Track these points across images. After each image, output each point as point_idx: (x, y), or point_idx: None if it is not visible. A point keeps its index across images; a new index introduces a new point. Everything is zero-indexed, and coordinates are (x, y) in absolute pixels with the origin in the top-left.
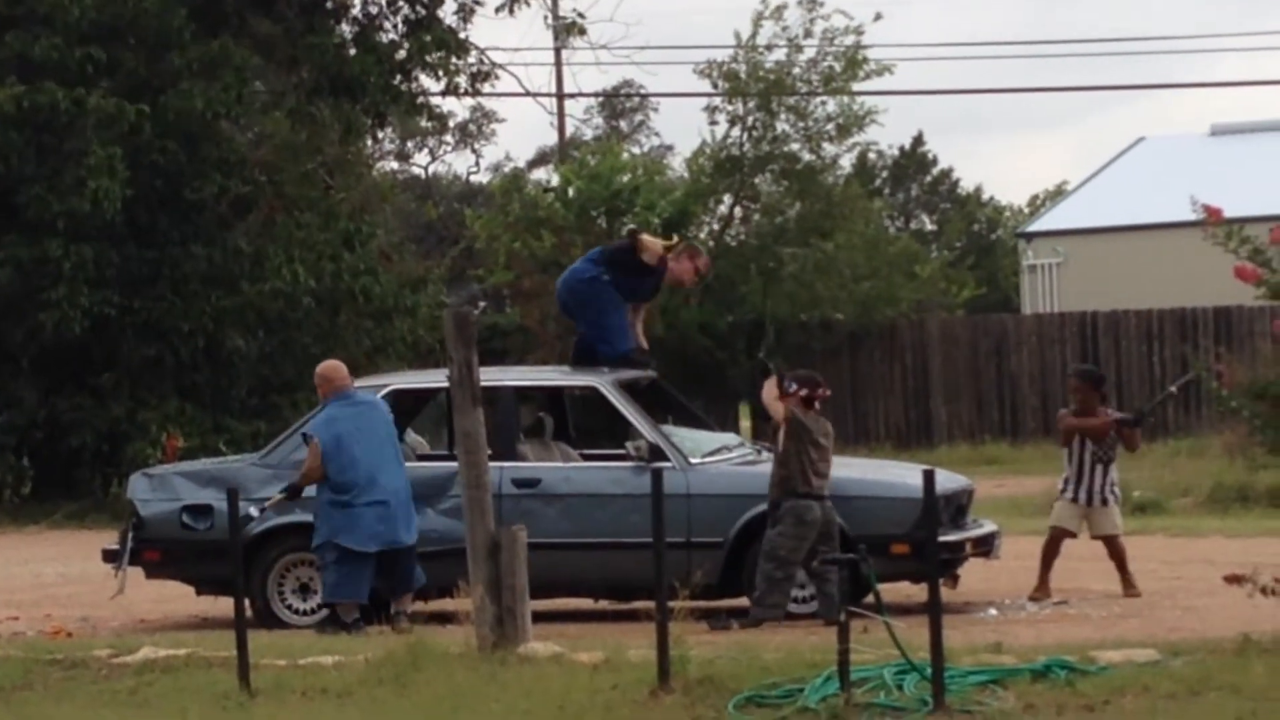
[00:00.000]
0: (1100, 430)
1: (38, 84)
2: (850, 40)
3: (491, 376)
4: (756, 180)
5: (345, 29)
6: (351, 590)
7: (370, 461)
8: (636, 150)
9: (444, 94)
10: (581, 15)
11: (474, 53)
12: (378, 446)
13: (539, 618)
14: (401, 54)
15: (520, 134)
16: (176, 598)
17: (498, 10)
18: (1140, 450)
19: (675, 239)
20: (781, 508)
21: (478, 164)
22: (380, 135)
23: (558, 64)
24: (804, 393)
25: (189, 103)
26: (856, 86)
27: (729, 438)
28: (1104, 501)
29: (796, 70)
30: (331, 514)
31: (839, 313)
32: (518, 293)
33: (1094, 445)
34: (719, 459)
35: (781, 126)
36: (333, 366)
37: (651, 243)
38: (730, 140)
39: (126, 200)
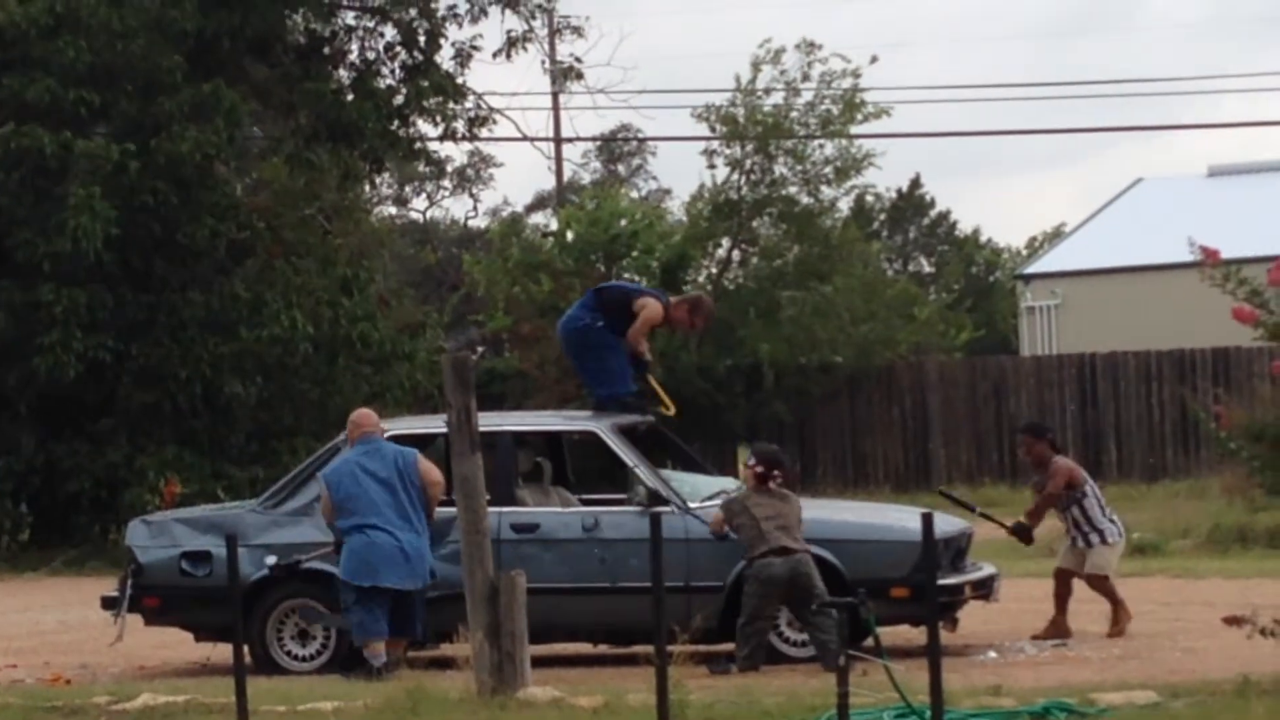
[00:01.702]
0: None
1: (26, 127)
2: (848, 84)
3: (490, 422)
4: (755, 223)
5: (342, 74)
6: (375, 629)
7: (369, 503)
8: (635, 194)
9: (441, 139)
10: (579, 60)
11: (471, 98)
12: (383, 492)
13: (538, 662)
14: (399, 99)
15: (518, 178)
16: (176, 644)
17: (495, 55)
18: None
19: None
20: (746, 570)
21: (475, 209)
22: (378, 180)
23: (555, 109)
24: (760, 470)
25: (178, 145)
26: (854, 129)
27: (727, 482)
28: (1088, 543)
29: (794, 114)
30: (345, 552)
31: (837, 355)
32: (516, 337)
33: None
34: (718, 503)
35: (779, 170)
36: (361, 414)
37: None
38: (728, 184)
39: (119, 243)
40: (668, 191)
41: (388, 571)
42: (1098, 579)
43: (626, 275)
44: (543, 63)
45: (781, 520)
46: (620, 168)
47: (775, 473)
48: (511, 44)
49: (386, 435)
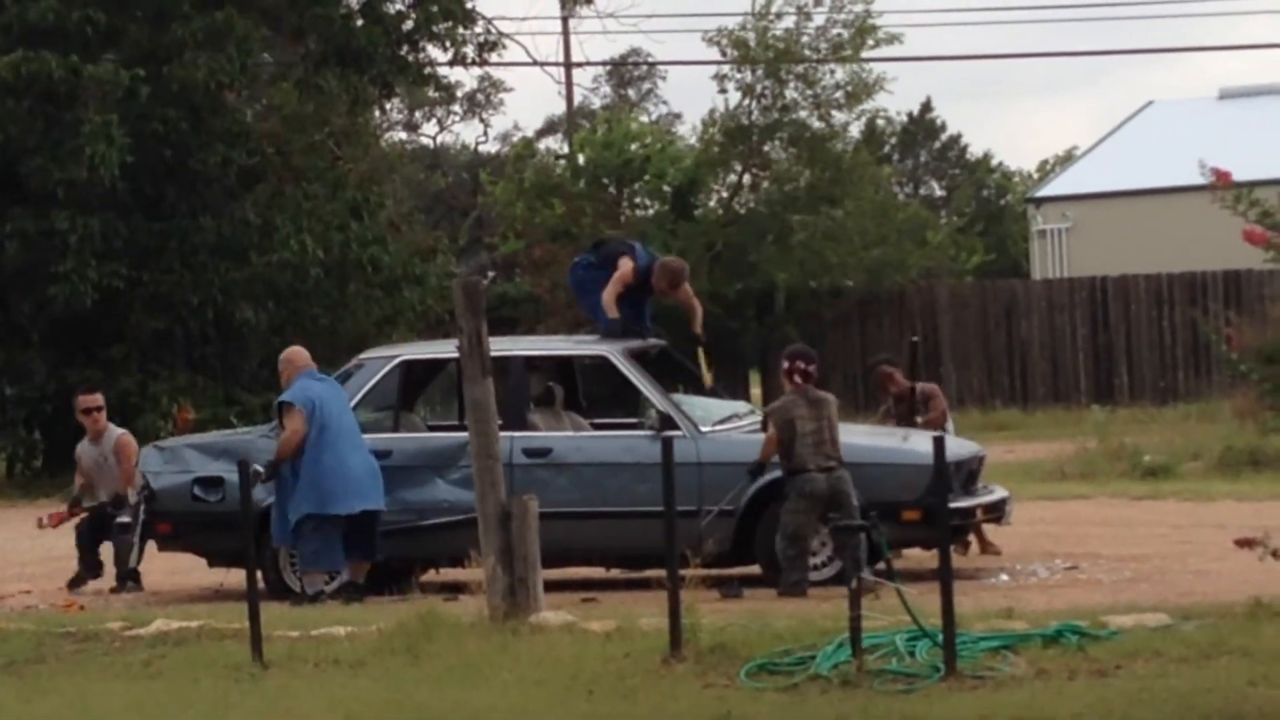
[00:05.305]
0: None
1: (32, 52)
2: (859, 8)
3: (501, 346)
4: (766, 148)
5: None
6: (330, 559)
7: (336, 429)
8: (645, 119)
9: (451, 64)
10: None
11: (481, 22)
12: (339, 417)
13: (550, 587)
14: (408, 24)
15: (528, 103)
16: (189, 570)
17: None
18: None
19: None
20: (787, 485)
21: (486, 134)
22: (388, 106)
23: (565, 33)
24: (787, 367)
25: (191, 73)
26: (865, 54)
27: (739, 405)
28: None
29: (805, 38)
30: (309, 484)
31: (849, 280)
32: (528, 262)
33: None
34: (730, 427)
35: (790, 94)
36: (294, 351)
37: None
38: (740, 108)
39: (131, 170)
40: (678, 116)
41: (350, 499)
42: None
43: (639, 200)
44: None
45: (819, 435)
46: (630, 92)
47: (799, 366)
48: None
49: (400, 359)
